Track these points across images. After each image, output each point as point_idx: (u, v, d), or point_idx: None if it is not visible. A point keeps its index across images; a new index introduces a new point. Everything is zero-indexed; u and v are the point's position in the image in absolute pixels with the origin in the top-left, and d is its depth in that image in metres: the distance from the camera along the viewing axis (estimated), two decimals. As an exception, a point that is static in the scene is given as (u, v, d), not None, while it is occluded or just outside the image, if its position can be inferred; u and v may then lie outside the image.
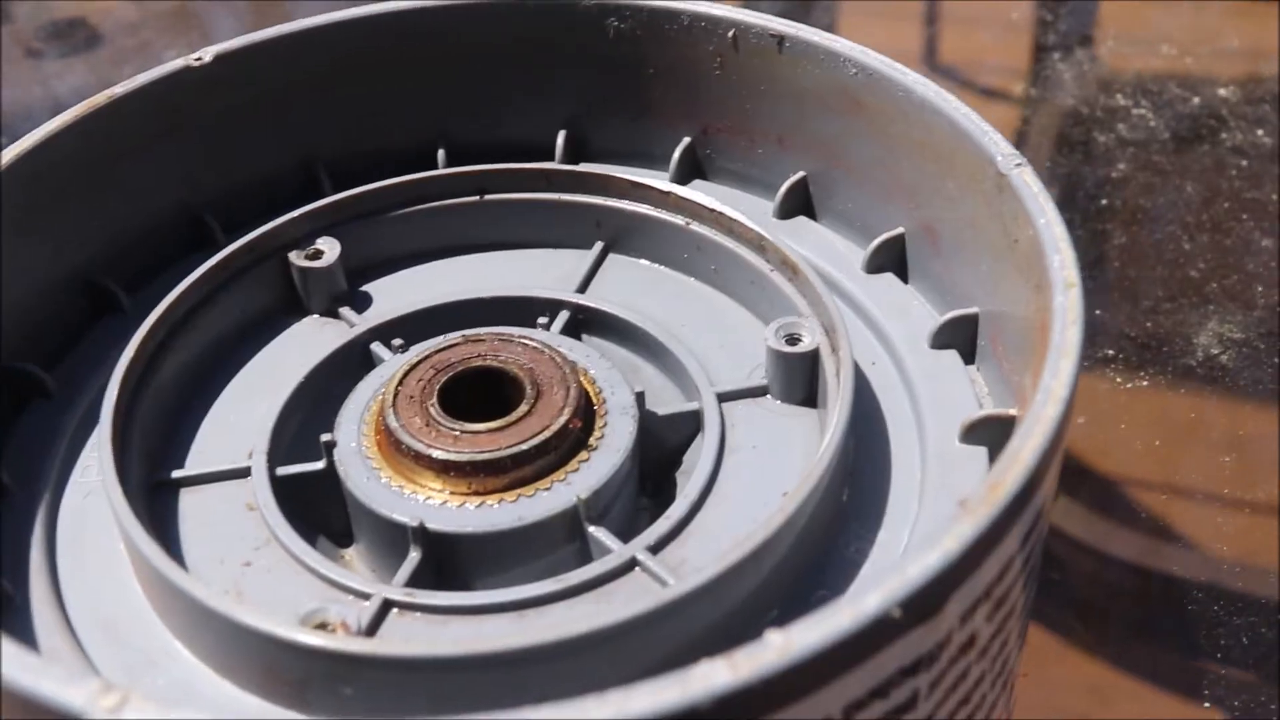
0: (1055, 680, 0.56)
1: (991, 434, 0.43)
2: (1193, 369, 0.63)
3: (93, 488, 0.46)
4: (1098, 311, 0.68)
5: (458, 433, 0.44)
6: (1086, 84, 0.85)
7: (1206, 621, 0.55)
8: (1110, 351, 0.64)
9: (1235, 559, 0.58)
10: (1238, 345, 0.64)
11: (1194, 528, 0.58)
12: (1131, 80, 0.83)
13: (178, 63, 0.52)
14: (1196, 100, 0.80)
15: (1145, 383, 0.63)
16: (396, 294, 0.53)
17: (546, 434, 0.44)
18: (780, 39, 0.51)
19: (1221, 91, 0.81)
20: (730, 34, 0.52)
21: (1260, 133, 0.78)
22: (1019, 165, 0.44)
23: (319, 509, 0.46)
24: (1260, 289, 0.67)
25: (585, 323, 0.51)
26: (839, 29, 1.03)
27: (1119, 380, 0.63)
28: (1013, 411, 0.43)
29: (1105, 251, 0.72)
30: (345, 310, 0.52)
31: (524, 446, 0.43)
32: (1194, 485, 0.60)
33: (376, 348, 0.50)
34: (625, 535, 0.43)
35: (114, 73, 0.82)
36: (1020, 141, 0.85)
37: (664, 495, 0.47)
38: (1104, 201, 0.75)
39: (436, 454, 0.43)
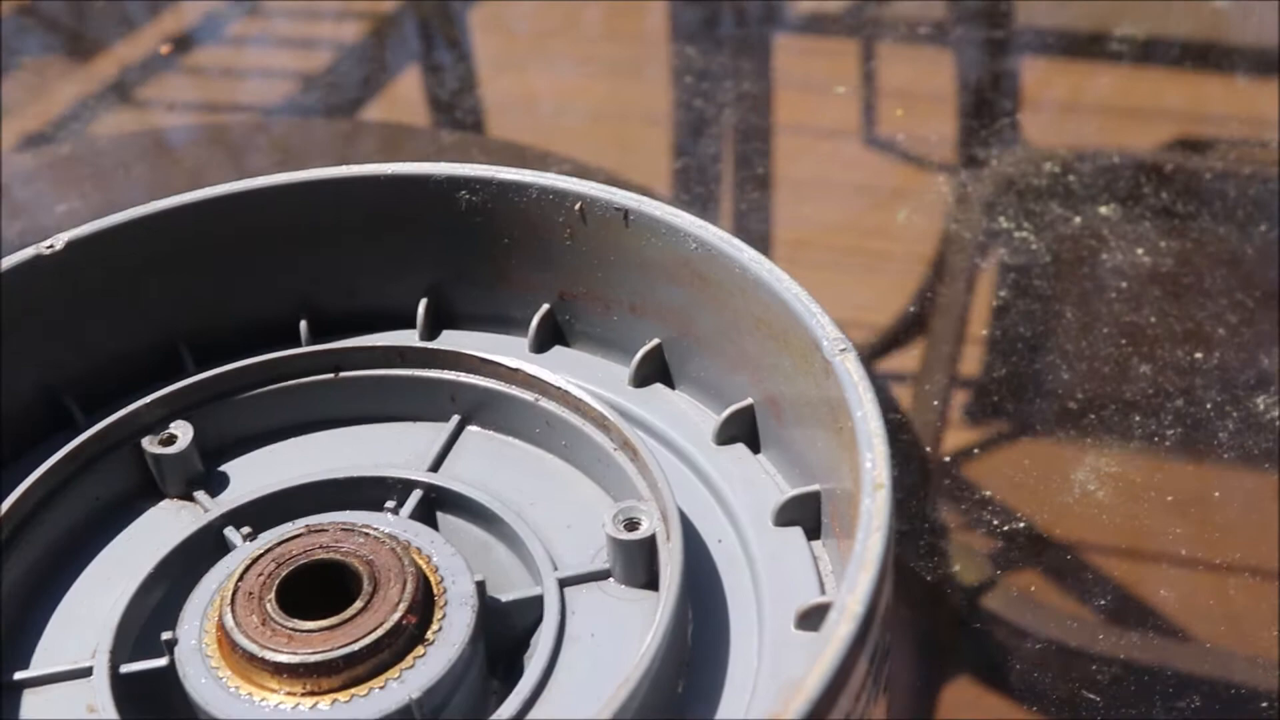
0: None
1: (824, 621, 0.43)
2: (1069, 507, 0.64)
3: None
4: (975, 450, 0.68)
5: (291, 632, 0.44)
6: (979, 203, 0.86)
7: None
8: (987, 493, 0.64)
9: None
10: (1114, 480, 0.65)
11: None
12: (1014, 203, 0.84)
13: (29, 252, 0.52)
14: (1078, 220, 0.81)
15: (1022, 524, 0.63)
16: (252, 474, 0.53)
17: (379, 632, 0.43)
18: (625, 213, 0.52)
19: (1103, 210, 0.82)
20: (578, 206, 0.53)
21: (1139, 251, 0.78)
22: (843, 350, 0.44)
23: (167, 706, 0.46)
24: (1137, 419, 0.68)
25: (438, 501, 0.51)
26: (775, 103, 1.04)
27: (995, 523, 0.63)
28: (841, 599, 0.43)
29: (985, 384, 0.72)
30: (200, 494, 0.52)
31: (355, 646, 0.43)
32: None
33: (229, 533, 0.50)
34: (469, 724, 0.43)
35: (6, 229, 0.82)
36: (960, 209, 0.85)
37: (515, 677, 0.47)
38: (984, 332, 0.76)
39: (270, 656, 0.43)
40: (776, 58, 1.13)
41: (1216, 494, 0.65)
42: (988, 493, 0.64)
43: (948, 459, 0.67)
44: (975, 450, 0.68)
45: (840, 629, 0.35)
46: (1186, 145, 0.92)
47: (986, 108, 1.01)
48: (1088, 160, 0.87)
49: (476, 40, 1.24)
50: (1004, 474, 0.66)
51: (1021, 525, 0.63)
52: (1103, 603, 0.60)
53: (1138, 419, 0.67)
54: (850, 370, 0.43)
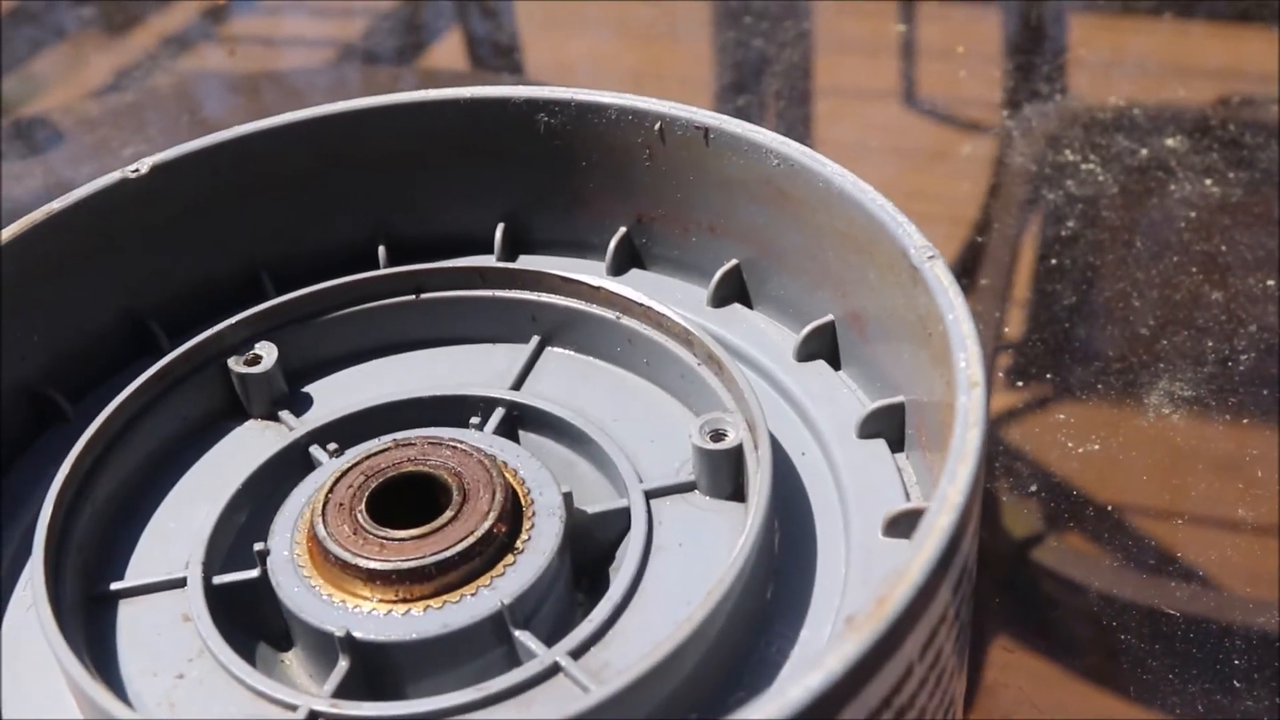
0: (1066, 710, 0.56)
1: (914, 527, 0.43)
2: (1144, 430, 0.63)
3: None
4: (1048, 375, 0.68)
5: (384, 540, 0.44)
6: (1043, 135, 0.86)
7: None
8: (1061, 416, 0.64)
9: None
10: (1188, 403, 0.64)
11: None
12: (1079, 135, 0.84)
13: (115, 175, 0.53)
14: (1145, 152, 0.80)
15: (1096, 447, 0.63)
16: (336, 395, 0.54)
17: (470, 540, 0.44)
18: (706, 131, 0.52)
19: (1169, 142, 0.81)
20: (657, 126, 0.53)
21: (1208, 182, 0.78)
22: (932, 258, 0.44)
23: (258, 616, 0.46)
24: (1210, 344, 0.67)
25: (520, 419, 0.52)
26: (815, 68, 1.03)
27: (1070, 445, 0.63)
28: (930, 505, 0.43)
29: (1055, 313, 0.72)
30: (285, 413, 0.53)
31: (448, 553, 0.44)
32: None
33: (315, 451, 0.51)
34: (558, 634, 0.44)
35: (74, 172, 0.83)
36: (998, 179, 0.85)
37: (600, 590, 0.47)
38: (1053, 261, 0.75)
39: (363, 563, 0.44)
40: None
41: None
42: (1061, 416, 0.64)
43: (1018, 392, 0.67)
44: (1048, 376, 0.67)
45: (941, 519, 0.35)
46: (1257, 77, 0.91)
47: (1049, 44, 1.00)
48: (1153, 93, 0.86)
49: (514, 6, 1.24)
50: (1077, 401, 0.66)
51: (1096, 448, 0.62)
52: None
53: (1211, 344, 0.67)
54: (940, 275, 0.43)
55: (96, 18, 1.26)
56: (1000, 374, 0.68)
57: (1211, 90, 0.90)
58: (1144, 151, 0.81)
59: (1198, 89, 0.91)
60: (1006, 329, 0.72)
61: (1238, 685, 0.54)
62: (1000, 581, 0.60)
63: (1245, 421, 0.63)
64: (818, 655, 0.41)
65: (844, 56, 1.07)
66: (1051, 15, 1.06)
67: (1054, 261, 0.75)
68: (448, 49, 1.17)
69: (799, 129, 0.95)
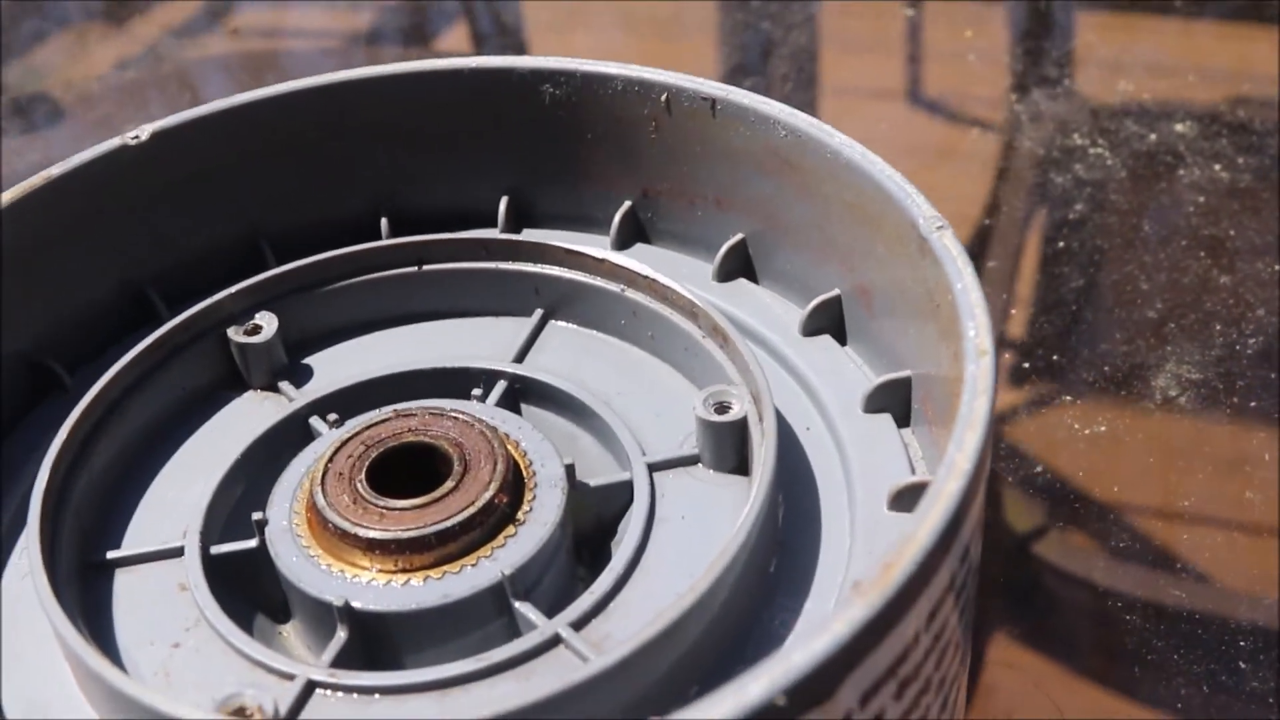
0: (1066, 708, 0.55)
1: (919, 500, 0.43)
2: (1150, 412, 0.63)
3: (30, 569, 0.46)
4: (1055, 356, 0.67)
5: (384, 510, 0.44)
6: (1052, 120, 0.85)
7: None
8: (1068, 398, 0.63)
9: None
10: (1195, 386, 0.64)
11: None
12: (1087, 120, 0.83)
13: (114, 141, 0.52)
14: (1153, 137, 0.80)
15: (1103, 428, 0.62)
16: (336, 366, 0.53)
17: (471, 510, 0.43)
18: (712, 102, 0.51)
19: (1179, 127, 0.81)
20: (663, 98, 0.52)
21: (1217, 168, 0.77)
22: (940, 228, 0.43)
23: (256, 586, 0.46)
24: (1218, 327, 0.67)
25: (523, 392, 0.51)
26: (821, 66, 1.03)
27: (1077, 426, 0.62)
28: (938, 478, 0.43)
29: (1063, 295, 0.71)
30: (284, 384, 0.52)
31: (448, 523, 0.43)
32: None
33: (314, 422, 0.50)
34: (559, 607, 0.43)
35: (75, 148, 0.82)
36: (1005, 163, 0.84)
37: (601, 564, 0.47)
38: (1060, 244, 0.75)
39: (362, 532, 0.43)
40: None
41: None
42: (1068, 398, 0.63)
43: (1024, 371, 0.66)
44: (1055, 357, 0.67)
45: (949, 484, 0.34)
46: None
47: (1058, 30, 1.00)
48: (1161, 81, 0.85)
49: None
50: (1083, 384, 0.65)
51: (1103, 430, 0.62)
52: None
53: (1218, 328, 0.66)
54: (949, 245, 0.42)
55: (101, 9, 1.26)
56: (1006, 357, 0.68)
57: (1220, 87, 0.90)
58: (1153, 136, 0.80)
59: (1206, 86, 0.90)
60: (1013, 311, 0.71)
61: (1238, 680, 0.53)
62: (1001, 578, 0.59)
63: (1252, 405, 0.63)
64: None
65: (849, 53, 1.07)
66: (1060, 4, 1.05)
67: (1061, 245, 0.74)
68: (453, 43, 1.17)
69: (805, 112, 0.95)
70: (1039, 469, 0.62)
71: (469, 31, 1.19)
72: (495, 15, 1.24)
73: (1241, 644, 0.54)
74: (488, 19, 1.22)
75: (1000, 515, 0.61)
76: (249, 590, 0.46)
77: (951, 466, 0.35)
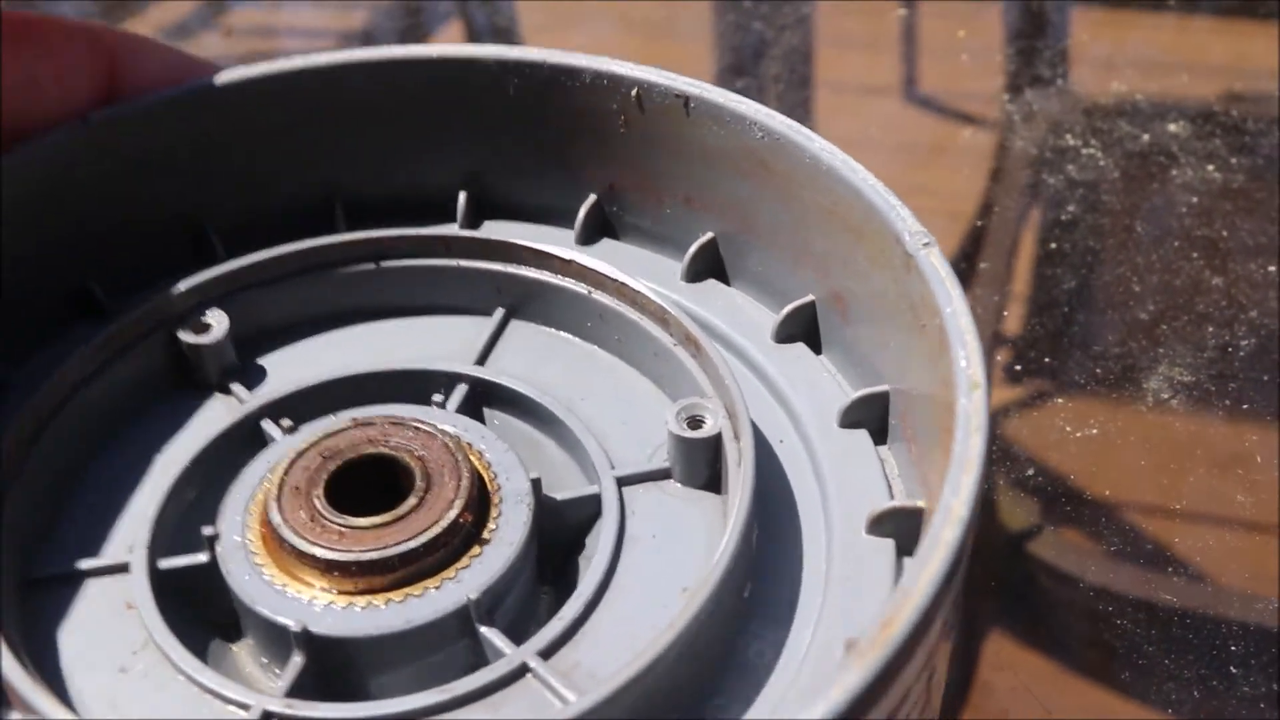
0: (1062, 706, 0.55)
1: (898, 525, 0.42)
2: (1143, 413, 0.62)
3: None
4: (1046, 359, 0.67)
5: (343, 529, 0.42)
6: (1044, 120, 0.84)
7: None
8: (1061, 399, 0.63)
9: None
10: (1188, 387, 0.63)
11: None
12: (1080, 120, 0.82)
13: (60, 128, 0.49)
14: (1146, 137, 0.79)
15: (1096, 430, 0.61)
16: (290, 367, 0.51)
17: (435, 530, 0.42)
18: (686, 99, 0.49)
19: (1171, 127, 0.80)
20: (634, 93, 0.50)
21: (1210, 168, 0.76)
22: (926, 245, 0.42)
23: (206, 602, 0.44)
24: (1211, 329, 0.66)
25: (485, 396, 0.49)
26: (814, 65, 1.02)
27: (1069, 428, 0.62)
28: (920, 504, 0.41)
29: (1056, 296, 0.70)
30: (236, 385, 0.50)
31: (412, 544, 0.41)
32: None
33: (267, 425, 0.48)
34: (521, 626, 0.42)
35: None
36: (998, 163, 0.84)
37: (566, 580, 0.45)
38: (1053, 245, 0.74)
39: (320, 553, 0.41)
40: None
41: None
42: (1061, 399, 0.62)
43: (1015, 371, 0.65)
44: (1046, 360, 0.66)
45: (946, 533, 0.33)
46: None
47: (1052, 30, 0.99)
48: (1155, 79, 0.85)
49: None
50: (1076, 386, 0.64)
51: (1095, 432, 0.61)
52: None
53: (1211, 330, 0.66)
54: (936, 265, 0.41)
55: (96, 9, 1.23)
56: (998, 359, 0.67)
57: (1214, 85, 0.89)
58: (1146, 137, 0.79)
59: (1200, 84, 0.90)
60: (1005, 313, 0.71)
61: (1234, 678, 0.53)
62: (996, 577, 0.58)
63: (1245, 407, 0.62)
64: (800, 661, 0.40)
65: (844, 50, 1.06)
66: (1054, 3, 1.04)
67: (1054, 246, 0.74)
68: (448, 41, 1.15)
69: (799, 113, 0.93)
70: (1032, 470, 0.61)
71: (464, 32, 1.18)
72: (490, 16, 1.22)
73: (1233, 648, 0.54)
74: (483, 20, 1.20)
75: (994, 517, 0.60)
76: (200, 606, 0.44)
77: (948, 513, 0.34)
